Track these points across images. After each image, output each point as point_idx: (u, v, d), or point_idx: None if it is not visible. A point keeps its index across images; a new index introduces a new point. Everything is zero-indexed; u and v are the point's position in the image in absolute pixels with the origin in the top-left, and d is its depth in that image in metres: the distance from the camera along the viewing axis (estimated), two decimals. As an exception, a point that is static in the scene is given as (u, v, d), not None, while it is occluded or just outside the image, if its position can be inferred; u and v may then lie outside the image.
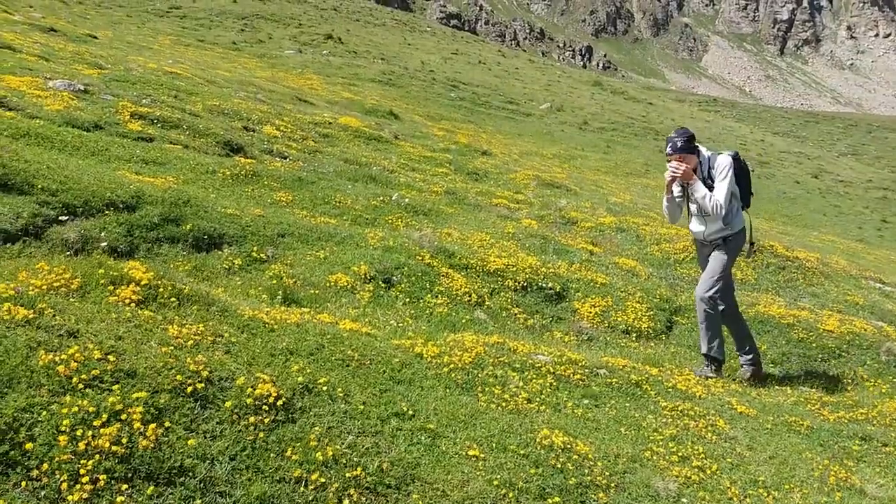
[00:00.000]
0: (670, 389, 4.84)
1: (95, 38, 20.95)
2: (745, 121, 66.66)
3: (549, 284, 6.87)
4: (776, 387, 5.75)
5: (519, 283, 6.74)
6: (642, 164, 28.81)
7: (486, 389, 3.98)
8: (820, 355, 6.46)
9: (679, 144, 5.45)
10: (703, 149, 5.58)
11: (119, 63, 14.38)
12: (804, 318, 7.00)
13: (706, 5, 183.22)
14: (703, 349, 5.66)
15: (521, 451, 3.36)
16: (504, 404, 3.87)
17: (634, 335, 6.47)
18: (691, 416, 4.43)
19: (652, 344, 6.47)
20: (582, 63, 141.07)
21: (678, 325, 6.98)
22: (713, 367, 5.61)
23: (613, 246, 9.56)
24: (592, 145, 31.11)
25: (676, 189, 5.62)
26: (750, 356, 5.75)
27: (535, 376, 4.35)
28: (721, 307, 5.60)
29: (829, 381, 5.98)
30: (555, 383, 4.36)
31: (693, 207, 5.63)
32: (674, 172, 5.45)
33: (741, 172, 5.63)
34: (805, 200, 29.22)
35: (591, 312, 6.63)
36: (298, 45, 40.66)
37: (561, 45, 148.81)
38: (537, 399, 4.07)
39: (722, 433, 4.30)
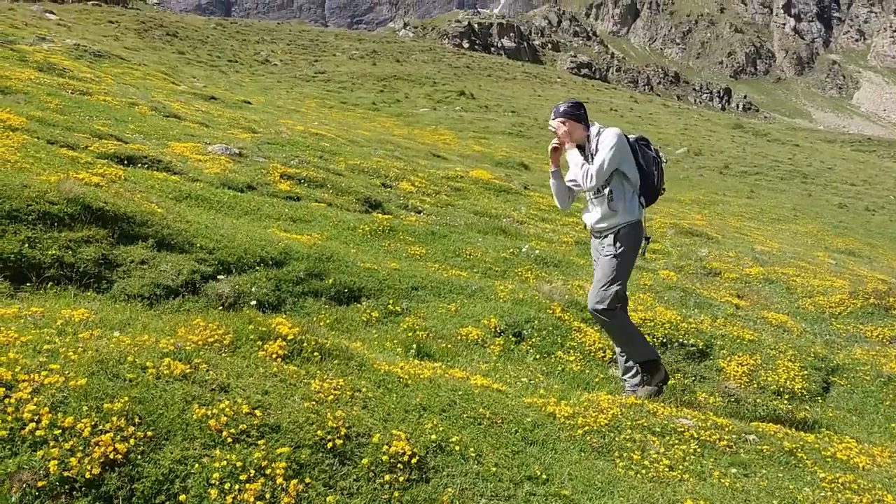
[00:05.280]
0: (829, 459, 4.42)
1: (249, 103, 22.76)
2: (907, 160, 61.38)
3: (691, 341, 6.54)
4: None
5: (657, 338, 6.47)
6: (790, 208, 27.16)
7: (624, 454, 3.81)
8: None
9: (562, 108, 4.96)
10: (596, 125, 5.00)
11: (270, 126, 15.51)
12: None
13: (856, 40, 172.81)
14: (631, 360, 5.00)
15: (663, 524, 3.17)
16: (644, 471, 3.68)
17: (787, 397, 6.00)
18: (854, 490, 4.01)
19: (806, 407, 5.97)
20: (720, 105, 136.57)
21: (836, 387, 6.41)
22: (647, 377, 4.90)
23: (761, 299, 9.00)
24: (734, 190, 29.78)
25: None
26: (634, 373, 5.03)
27: (677, 441, 4.12)
28: (614, 311, 4.84)
29: None
30: (699, 449, 4.10)
31: (588, 193, 5.02)
32: (552, 128, 4.94)
33: (646, 160, 5.02)
34: (983, 248, 26.24)
35: (737, 372, 6.23)
36: (433, 103, 42.21)
37: (697, 87, 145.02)
38: (680, 466, 3.84)
39: (893, 512, 3.86)
